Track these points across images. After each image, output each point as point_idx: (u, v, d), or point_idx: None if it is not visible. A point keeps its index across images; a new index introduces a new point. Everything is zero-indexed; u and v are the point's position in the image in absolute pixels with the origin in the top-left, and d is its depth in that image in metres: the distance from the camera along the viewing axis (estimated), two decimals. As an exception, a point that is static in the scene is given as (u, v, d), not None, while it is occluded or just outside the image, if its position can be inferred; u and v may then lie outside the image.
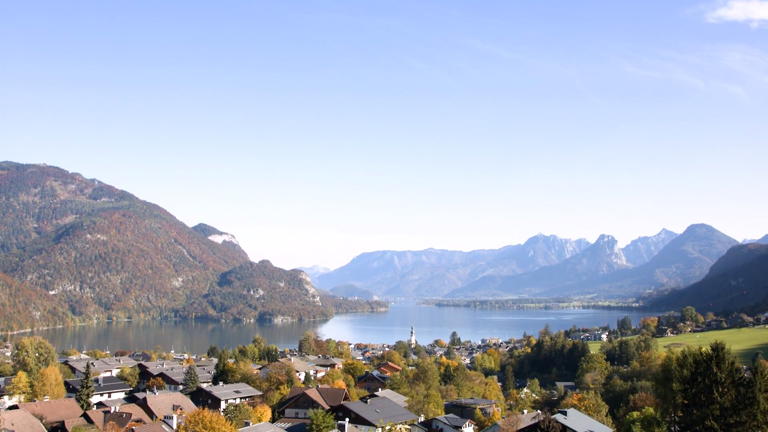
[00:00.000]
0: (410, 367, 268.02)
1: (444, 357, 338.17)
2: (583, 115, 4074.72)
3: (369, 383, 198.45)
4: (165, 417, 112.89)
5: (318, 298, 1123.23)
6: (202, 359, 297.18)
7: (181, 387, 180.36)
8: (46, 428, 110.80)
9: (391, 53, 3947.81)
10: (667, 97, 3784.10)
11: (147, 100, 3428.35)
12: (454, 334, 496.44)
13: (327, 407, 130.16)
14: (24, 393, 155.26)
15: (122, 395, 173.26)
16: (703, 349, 77.14)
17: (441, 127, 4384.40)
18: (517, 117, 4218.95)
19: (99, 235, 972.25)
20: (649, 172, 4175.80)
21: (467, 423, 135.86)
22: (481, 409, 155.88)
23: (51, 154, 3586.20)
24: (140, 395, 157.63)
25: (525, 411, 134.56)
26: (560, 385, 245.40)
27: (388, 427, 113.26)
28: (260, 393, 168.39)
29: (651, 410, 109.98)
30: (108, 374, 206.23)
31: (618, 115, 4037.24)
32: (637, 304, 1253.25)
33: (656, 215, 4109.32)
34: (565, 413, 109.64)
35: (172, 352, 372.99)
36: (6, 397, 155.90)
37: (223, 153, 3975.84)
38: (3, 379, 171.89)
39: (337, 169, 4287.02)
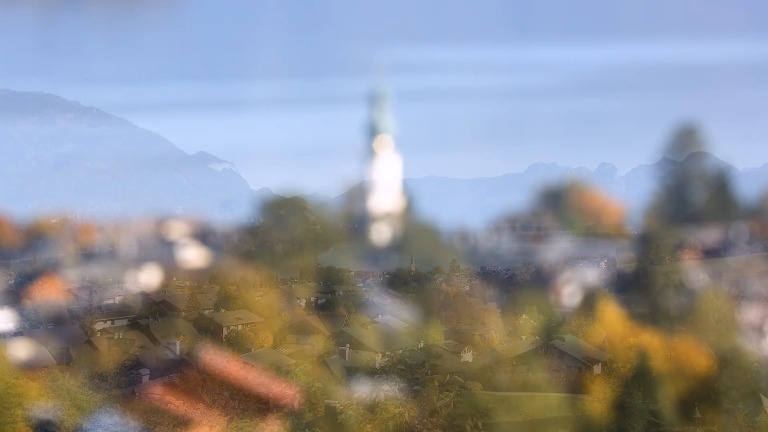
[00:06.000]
0: (410, 294, 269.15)
1: (444, 284, 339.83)
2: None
3: (369, 310, 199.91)
4: (168, 343, 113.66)
5: (318, 226, 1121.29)
6: (204, 286, 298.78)
7: (183, 313, 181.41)
8: (51, 354, 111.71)
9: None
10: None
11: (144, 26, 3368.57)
12: (453, 261, 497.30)
13: (328, 333, 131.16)
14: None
15: (125, 322, 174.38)
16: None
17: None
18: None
19: (99, 164, 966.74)
20: (651, 98, 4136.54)
21: (466, 349, 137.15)
22: (480, 335, 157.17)
23: (48, 82, 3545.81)
24: (143, 322, 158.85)
25: (524, 337, 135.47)
26: (559, 311, 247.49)
27: (388, 353, 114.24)
28: (261, 320, 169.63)
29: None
30: (111, 301, 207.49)
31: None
32: (636, 232, 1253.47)
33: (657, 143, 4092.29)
34: (563, 339, 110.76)
35: (174, 279, 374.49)
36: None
37: (223, 81, 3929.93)
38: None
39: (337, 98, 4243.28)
